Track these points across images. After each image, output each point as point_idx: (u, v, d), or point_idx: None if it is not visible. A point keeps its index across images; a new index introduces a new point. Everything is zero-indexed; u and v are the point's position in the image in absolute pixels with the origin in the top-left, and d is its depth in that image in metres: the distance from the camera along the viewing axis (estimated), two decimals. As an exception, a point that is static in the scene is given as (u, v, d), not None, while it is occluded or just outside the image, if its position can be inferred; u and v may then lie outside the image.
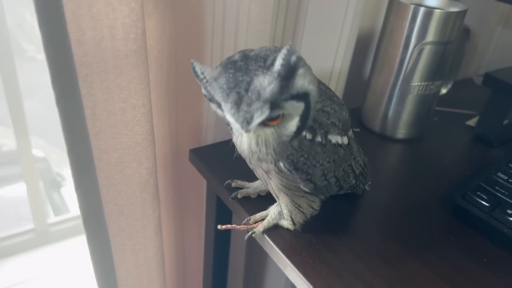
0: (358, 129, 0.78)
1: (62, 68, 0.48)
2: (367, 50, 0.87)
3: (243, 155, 0.50)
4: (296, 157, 0.46)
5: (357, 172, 0.55)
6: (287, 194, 0.51)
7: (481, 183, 0.59)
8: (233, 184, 0.61)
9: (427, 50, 0.67)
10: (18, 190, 1.72)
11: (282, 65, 0.38)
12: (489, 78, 0.74)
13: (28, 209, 1.61)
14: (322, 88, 0.50)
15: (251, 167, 0.52)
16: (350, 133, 0.53)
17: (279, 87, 0.39)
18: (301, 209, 0.53)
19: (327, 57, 0.75)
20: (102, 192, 0.60)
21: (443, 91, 0.83)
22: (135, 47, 0.50)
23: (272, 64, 0.39)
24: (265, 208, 0.57)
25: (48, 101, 0.55)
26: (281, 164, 0.47)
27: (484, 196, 0.56)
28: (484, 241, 0.56)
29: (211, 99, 0.43)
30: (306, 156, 0.46)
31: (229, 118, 0.41)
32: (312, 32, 0.71)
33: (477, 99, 0.82)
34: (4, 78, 1.31)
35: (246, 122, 0.39)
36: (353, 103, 0.85)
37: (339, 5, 0.70)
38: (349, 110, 0.53)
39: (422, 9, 0.65)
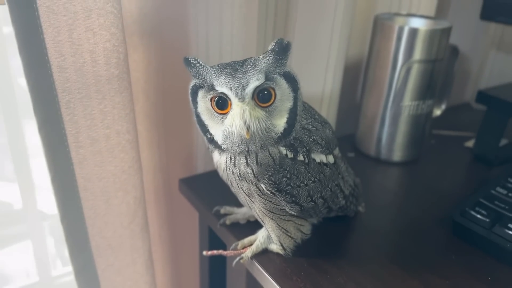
0: (352, 154, 0.77)
1: (43, 95, 0.48)
2: (359, 76, 0.87)
3: (223, 178, 0.49)
4: (278, 177, 0.44)
5: (347, 192, 0.53)
6: (272, 219, 0.49)
7: (480, 199, 0.57)
8: (222, 211, 0.59)
9: (415, 69, 0.67)
10: (27, 248, 1.73)
11: (275, 44, 0.42)
12: (482, 96, 0.73)
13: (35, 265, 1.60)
14: (306, 106, 0.50)
15: (233, 191, 0.50)
16: (337, 151, 0.52)
17: (274, 59, 0.42)
18: (289, 234, 0.51)
19: (316, 82, 0.75)
20: (88, 223, 0.58)
21: (437, 112, 0.82)
22: (117, 72, 0.51)
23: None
24: (254, 233, 0.55)
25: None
26: (262, 186, 0.45)
27: (483, 212, 0.54)
28: (486, 259, 0.53)
29: (201, 84, 0.44)
30: (289, 176, 0.45)
31: (224, 89, 0.41)
32: (300, 57, 0.72)
33: (475, 122, 0.80)
34: (10, 137, 1.35)
35: (242, 87, 0.40)
36: (348, 129, 0.84)
37: (324, 30, 0.71)
38: (343, 136, 0.52)
39: (407, 28, 0.65)
